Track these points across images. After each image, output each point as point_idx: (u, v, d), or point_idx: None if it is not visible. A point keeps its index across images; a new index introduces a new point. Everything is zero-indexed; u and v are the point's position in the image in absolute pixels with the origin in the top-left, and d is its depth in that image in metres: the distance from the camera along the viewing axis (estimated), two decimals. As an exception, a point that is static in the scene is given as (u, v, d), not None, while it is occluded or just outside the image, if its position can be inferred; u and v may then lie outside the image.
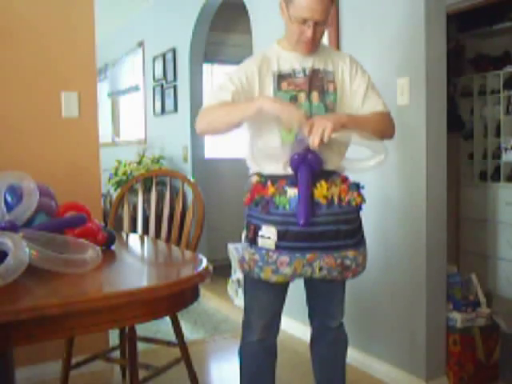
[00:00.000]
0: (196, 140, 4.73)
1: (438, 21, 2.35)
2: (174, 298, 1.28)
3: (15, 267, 1.15)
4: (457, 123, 4.32)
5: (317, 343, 1.94)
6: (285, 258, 1.62)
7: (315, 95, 1.74)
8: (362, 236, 1.76)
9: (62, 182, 2.31)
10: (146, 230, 2.37)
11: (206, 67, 5.10)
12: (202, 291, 3.94)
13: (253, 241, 1.67)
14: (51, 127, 2.65)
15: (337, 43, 2.79)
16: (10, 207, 1.42)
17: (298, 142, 1.59)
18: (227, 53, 5.30)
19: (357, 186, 1.71)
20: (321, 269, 1.64)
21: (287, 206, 1.61)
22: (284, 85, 1.73)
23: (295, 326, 3.08)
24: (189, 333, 3.26)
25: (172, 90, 5.01)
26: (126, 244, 1.97)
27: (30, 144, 2.60)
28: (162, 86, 5.20)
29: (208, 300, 4.02)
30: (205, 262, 1.44)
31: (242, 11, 3.76)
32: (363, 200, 1.71)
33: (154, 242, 2.03)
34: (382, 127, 1.78)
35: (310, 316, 1.93)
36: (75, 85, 2.69)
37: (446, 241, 2.46)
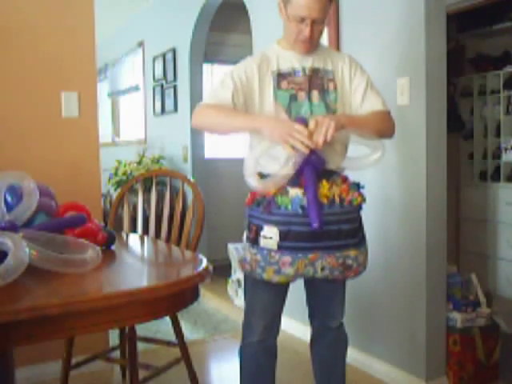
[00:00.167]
0: (196, 140, 4.72)
1: (437, 21, 2.35)
2: (174, 298, 1.28)
3: (15, 267, 1.15)
4: (457, 123, 4.32)
5: (317, 343, 1.94)
6: (287, 258, 1.62)
7: (315, 94, 1.74)
8: (363, 235, 1.76)
9: (62, 182, 2.30)
10: (146, 230, 2.37)
11: (206, 67, 5.10)
12: (202, 291, 3.95)
13: (254, 241, 1.67)
14: (51, 127, 2.65)
15: (337, 43, 2.79)
16: (9, 207, 1.42)
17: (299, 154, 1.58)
18: (227, 53, 5.30)
19: (357, 186, 1.71)
20: (323, 269, 1.64)
21: (289, 206, 1.61)
22: (284, 83, 1.73)
23: (295, 326, 3.08)
24: (189, 333, 3.26)
25: (172, 90, 5.01)
26: (126, 244, 1.97)
27: (30, 144, 2.60)
28: (162, 86, 5.20)
29: (208, 300, 4.01)
30: (205, 262, 1.43)
31: (242, 11, 3.76)
32: (363, 199, 1.72)
33: (154, 242, 2.03)
34: (382, 126, 1.78)
35: (310, 316, 1.93)
36: (75, 85, 2.69)
37: (446, 241, 2.46)
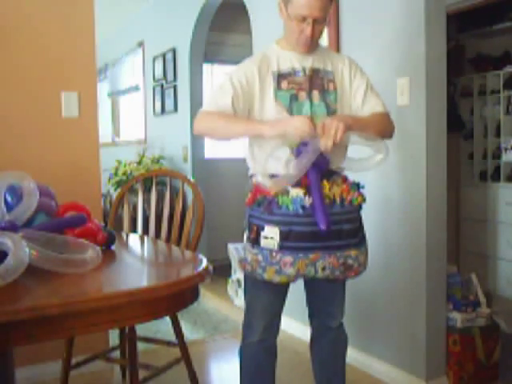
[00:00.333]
0: (196, 140, 4.73)
1: (437, 21, 2.35)
2: (174, 298, 1.28)
3: (15, 267, 1.16)
4: (457, 123, 4.32)
5: (317, 343, 1.94)
6: (288, 259, 1.62)
7: (316, 94, 1.75)
8: (363, 235, 1.76)
9: (62, 182, 2.30)
10: (146, 230, 2.37)
11: (206, 67, 5.10)
12: (202, 291, 3.95)
13: (255, 241, 1.67)
14: (51, 127, 2.65)
15: (337, 43, 2.79)
16: (9, 207, 1.42)
17: (305, 149, 1.58)
18: (227, 53, 5.30)
19: (357, 186, 1.71)
20: (324, 269, 1.64)
21: (290, 206, 1.61)
22: (284, 84, 1.73)
23: (295, 326, 3.08)
24: (189, 333, 3.26)
25: (172, 90, 5.01)
26: (126, 244, 1.97)
27: (30, 144, 2.60)
28: (162, 86, 5.20)
29: (208, 300, 4.01)
30: (205, 262, 1.43)
31: (242, 11, 3.76)
32: (364, 199, 1.72)
33: (153, 242, 2.03)
34: (382, 128, 1.79)
35: (310, 316, 1.93)
36: (75, 85, 2.69)
37: (446, 241, 2.46)
